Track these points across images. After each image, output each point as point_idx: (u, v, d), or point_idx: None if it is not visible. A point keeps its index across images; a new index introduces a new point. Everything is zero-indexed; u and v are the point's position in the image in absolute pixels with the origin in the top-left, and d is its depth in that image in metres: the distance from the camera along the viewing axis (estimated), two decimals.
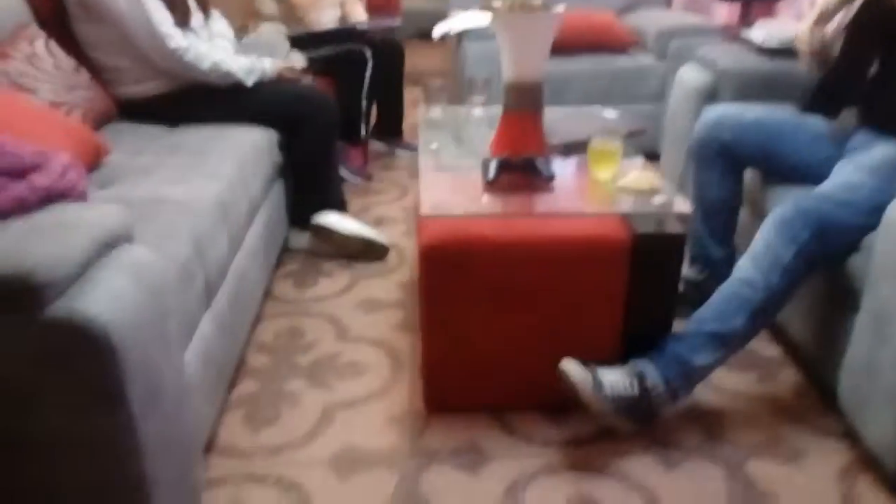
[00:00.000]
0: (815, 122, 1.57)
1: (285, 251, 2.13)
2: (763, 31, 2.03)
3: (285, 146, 1.99)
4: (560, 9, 1.45)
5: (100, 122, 1.78)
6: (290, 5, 2.64)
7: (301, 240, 2.16)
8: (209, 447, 1.34)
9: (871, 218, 1.16)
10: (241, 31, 2.45)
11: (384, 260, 2.09)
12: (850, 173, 1.31)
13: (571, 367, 1.24)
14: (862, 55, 1.47)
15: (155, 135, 1.80)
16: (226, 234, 1.45)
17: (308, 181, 2.04)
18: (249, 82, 1.93)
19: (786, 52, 1.97)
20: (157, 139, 1.77)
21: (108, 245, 0.92)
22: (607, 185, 1.48)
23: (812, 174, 1.42)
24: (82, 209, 0.97)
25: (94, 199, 1.13)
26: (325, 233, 2.06)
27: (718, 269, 1.67)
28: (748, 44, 2.07)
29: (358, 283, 1.98)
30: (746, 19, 3.09)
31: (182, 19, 1.85)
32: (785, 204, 1.28)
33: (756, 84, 1.91)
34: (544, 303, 1.36)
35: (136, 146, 1.69)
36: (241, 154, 1.71)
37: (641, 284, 1.35)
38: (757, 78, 1.92)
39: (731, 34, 2.38)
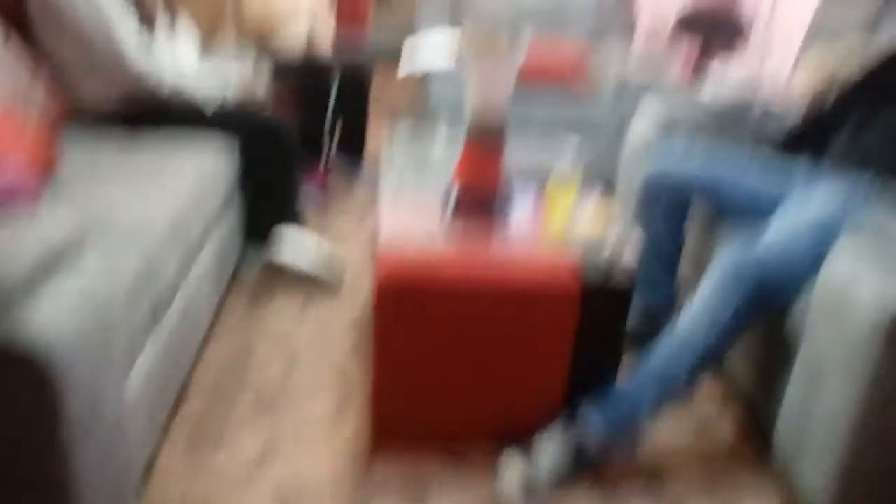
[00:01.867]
0: (760, 166, 1.63)
1: (239, 269, 2.10)
2: (714, 85, 2.12)
3: (245, 165, 1.97)
4: (525, 42, 1.48)
5: (56, 128, 1.73)
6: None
7: (256, 257, 2.13)
8: (149, 469, 1.30)
9: (810, 271, 1.21)
10: (206, 44, 2.43)
11: (341, 284, 2.07)
12: (788, 226, 1.36)
13: (510, 474, 1.28)
14: (854, 108, 1.53)
15: (111, 152, 1.75)
16: (178, 253, 1.42)
17: (268, 197, 2.02)
18: (212, 102, 1.91)
19: (734, 105, 2.06)
20: (113, 156, 1.72)
21: (57, 259, 0.90)
22: (562, 226, 1.51)
23: (754, 217, 1.47)
24: (31, 219, 0.94)
25: (45, 209, 1.10)
26: (281, 249, 2.03)
27: (662, 318, 1.71)
28: (700, 94, 2.15)
29: (313, 300, 1.97)
30: (702, 58, 3.21)
31: (147, 29, 1.82)
32: (728, 257, 1.33)
33: (706, 132, 1.99)
34: (495, 342, 1.38)
35: (91, 162, 1.65)
36: (198, 173, 1.69)
37: (589, 329, 1.37)
38: (707, 127, 2.00)
39: (684, 84, 2.47)
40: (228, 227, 1.92)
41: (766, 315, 1.32)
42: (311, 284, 2.03)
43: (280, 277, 2.06)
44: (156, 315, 1.28)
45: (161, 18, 1.91)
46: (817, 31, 2.38)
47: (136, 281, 1.18)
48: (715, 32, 3.19)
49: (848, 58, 1.59)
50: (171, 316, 1.37)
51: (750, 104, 2.08)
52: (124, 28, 1.74)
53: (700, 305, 1.32)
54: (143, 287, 1.20)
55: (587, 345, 1.38)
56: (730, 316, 1.28)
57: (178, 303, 1.42)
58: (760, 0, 3.08)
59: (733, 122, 2.01)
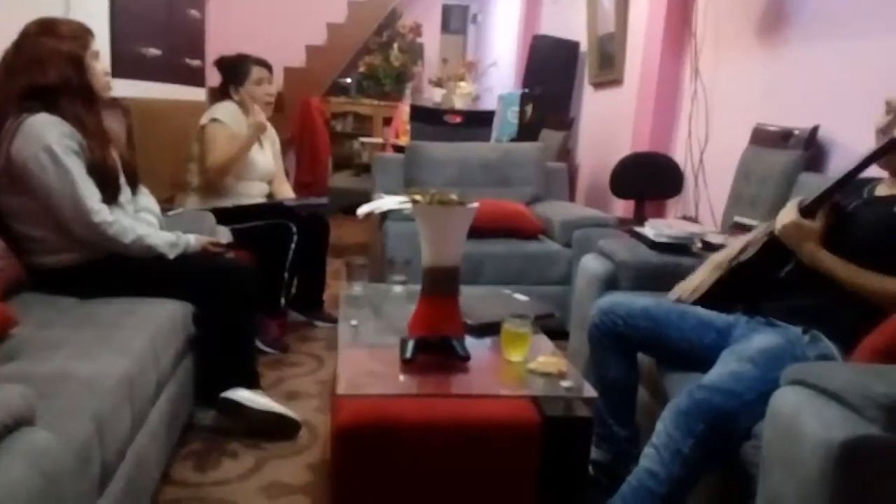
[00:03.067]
0: (699, 310, 1.72)
1: (189, 429, 2.03)
2: (654, 229, 2.27)
3: (201, 319, 1.97)
4: (475, 204, 1.59)
5: (9, 292, 1.73)
6: (204, 169, 2.73)
7: (207, 416, 2.07)
8: None
9: (759, 406, 1.25)
10: (167, 203, 2.51)
11: (295, 439, 2.02)
12: (734, 363, 1.41)
13: None
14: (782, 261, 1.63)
15: (66, 307, 1.75)
16: (129, 413, 1.38)
17: (221, 355, 1.99)
18: (172, 255, 1.95)
19: (674, 247, 2.20)
20: (68, 311, 1.72)
21: (7, 429, 0.88)
22: (519, 366, 1.54)
23: (698, 359, 1.53)
24: None
25: None
26: (233, 408, 1.98)
27: (624, 449, 1.71)
28: (642, 237, 2.30)
29: (265, 464, 1.89)
30: (639, 213, 3.45)
31: (111, 196, 1.89)
32: (681, 395, 1.37)
33: (649, 274, 2.10)
34: (458, 484, 1.36)
35: (45, 318, 1.63)
36: (154, 327, 1.69)
37: (552, 466, 1.37)
38: (650, 269, 2.12)
39: (626, 228, 2.64)
40: (182, 380, 1.88)
41: (725, 446, 1.34)
42: (264, 444, 1.97)
43: (232, 438, 1.99)
44: (105, 478, 1.22)
45: (121, 179, 1.98)
46: (745, 174, 2.61)
47: (86, 447, 1.14)
48: (650, 178, 3.46)
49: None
50: (119, 480, 1.31)
51: (690, 238, 2.22)
52: (88, 187, 1.80)
53: (662, 439, 1.34)
54: (93, 452, 1.16)
55: (551, 477, 1.37)
56: (689, 447, 1.30)
57: (126, 464, 1.36)
58: (691, 143, 3.38)
59: (675, 256, 2.14)
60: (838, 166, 2.32)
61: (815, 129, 2.42)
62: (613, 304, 1.76)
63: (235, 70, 2.86)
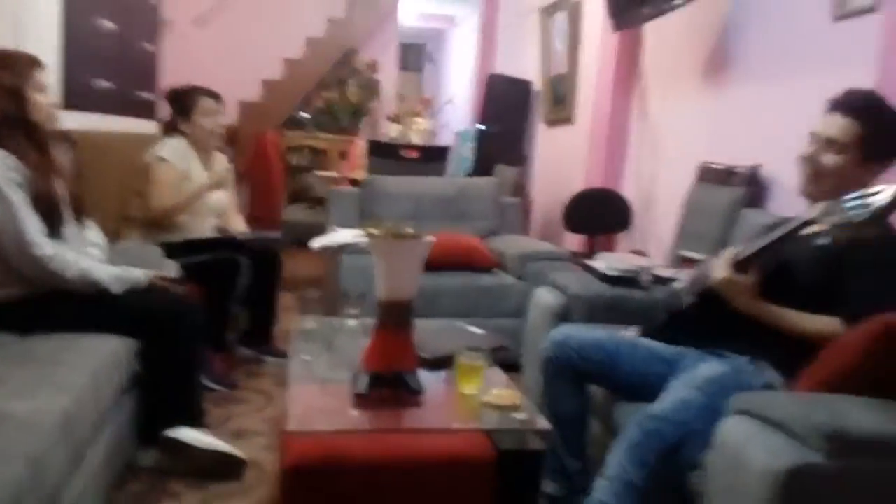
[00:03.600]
0: (649, 342, 1.74)
1: (129, 469, 1.94)
2: (605, 262, 2.32)
3: (145, 355, 1.91)
4: (430, 238, 1.59)
5: None
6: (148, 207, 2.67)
7: (149, 456, 1.98)
8: None
9: (706, 434, 1.27)
10: (114, 237, 2.44)
11: (241, 478, 1.94)
12: (682, 390, 1.44)
13: None
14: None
15: (4, 343, 1.67)
16: (66, 453, 1.32)
17: (165, 392, 1.93)
18: (117, 290, 1.89)
19: (624, 280, 2.24)
20: (7, 347, 1.65)
21: None
22: (473, 400, 1.53)
23: (649, 390, 1.55)
24: None
25: None
26: (175, 446, 1.90)
27: (575, 482, 1.71)
28: (593, 271, 2.33)
29: None
30: (590, 247, 3.52)
31: (54, 229, 1.83)
32: (631, 427, 1.38)
33: (601, 307, 2.13)
34: None
35: None
36: (96, 364, 1.62)
37: (505, 499, 1.36)
38: (602, 302, 2.15)
39: (578, 261, 2.68)
40: (124, 418, 1.81)
41: (676, 475, 1.35)
42: (208, 484, 1.90)
43: (174, 478, 1.91)
44: None
45: (67, 212, 1.93)
46: (692, 210, 2.70)
47: (19, 489, 1.09)
48: (601, 213, 3.54)
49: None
50: None
51: (639, 272, 2.26)
52: (30, 220, 1.74)
53: (615, 471, 1.35)
54: (26, 493, 1.10)
55: None
56: (642, 478, 1.31)
57: None
58: (639, 180, 3.48)
59: (626, 289, 2.17)
60: (779, 203, 2.42)
61: (756, 168, 2.53)
62: (567, 336, 1.77)
63: (183, 102, 2.81)
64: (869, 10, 2.11)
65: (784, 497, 1.05)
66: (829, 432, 1.07)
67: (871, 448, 1.09)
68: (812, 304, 1.49)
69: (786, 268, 1.56)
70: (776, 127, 2.52)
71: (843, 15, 2.22)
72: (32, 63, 1.88)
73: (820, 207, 1.37)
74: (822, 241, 1.51)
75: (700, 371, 1.50)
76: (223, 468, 1.93)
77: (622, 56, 3.67)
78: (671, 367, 1.61)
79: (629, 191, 3.60)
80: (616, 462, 1.36)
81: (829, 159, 1.54)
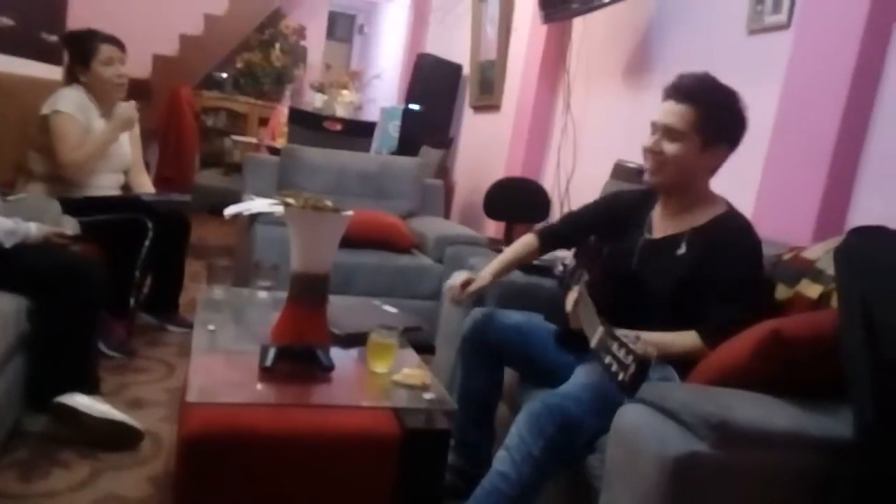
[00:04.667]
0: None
1: (15, 435, 1.83)
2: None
3: (37, 315, 1.79)
4: (349, 213, 1.57)
5: None
6: (58, 164, 2.49)
7: (37, 422, 1.87)
8: None
9: (605, 419, 1.33)
10: (7, 188, 2.27)
11: (135, 449, 1.87)
12: (584, 375, 1.49)
13: None
14: None
15: None
16: None
17: (57, 356, 1.82)
18: (9, 244, 1.76)
19: (538, 268, 2.29)
20: None
21: None
22: (383, 378, 1.53)
23: (559, 376, 1.59)
24: None
25: None
26: (67, 413, 1.81)
27: (479, 456, 1.75)
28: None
29: (100, 476, 1.73)
30: (508, 235, 3.58)
31: None
32: (534, 401, 1.42)
33: (514, 293, 2.17)
34: (313, 497, 1.32)
35: None
36: None
37: (409, 477, 1.37)
38: (515, 288, 2.19)
39: (495, 248, 2.72)
40: (10, 381, 1.70)
41: (572, 450, 1.41)
42: (100, 454, 1.81)
43: (64, 446, 1.82)
44: None
45: None
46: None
47: None
48: (520, 202, 3.60)
49: None
50: None
51: (553, 262, 2.32)
52: None
53: (514, 441, 1.39)
54: None
55: (408, 489, 1.36)
56: (540, 448, 1.35)
57: None
58: (559, 172, 3.56)
59: (539, 278, 2.22)
60: None
61: None
62: (488, 316, 1.81)
63: (82, 47, 2.60)
64: (782, 26, 2.23)
65: (673, 483, 1.11)
66: (716, 423, 1.14)
67: (754, 439, 1.16)
68: (667, 315, 1.51)
69: (638, 281, 1.59)
70: None
71: (757, 29, 2.34)
72: None
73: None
74: (679, 251, 1.56)
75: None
76: (117, 438, 1.85)
77: (549, 48, 3.73)
78: (579, 357, 1.67)
79: (548, 181, 3.67)
80: (517, 433, 1.39)
81: (670, 148, 1.57)
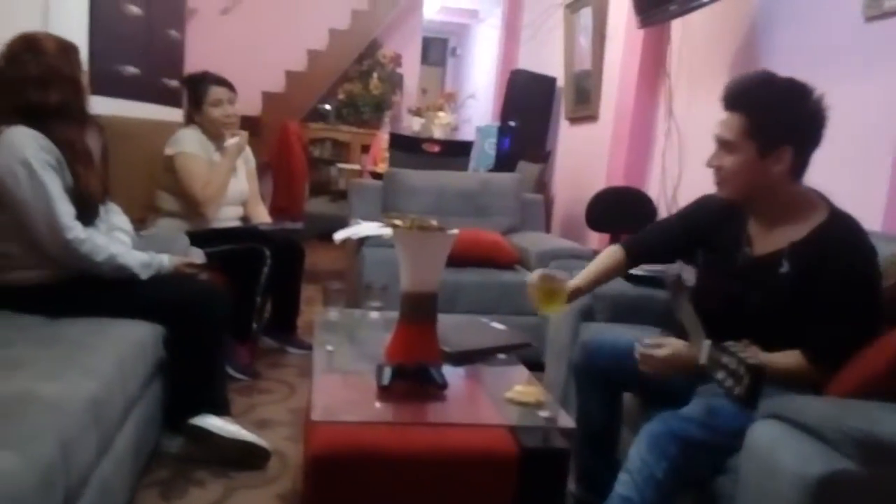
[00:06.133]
0: None
1: (155, 455, 1.96)
2: None
3: (171, 342, 1.93)
4: (455, 231, 1.59)
5: None
6: (192, 202, 2.69)
7: (174, 444, 2.01)
8: None
9: (734, 440, 1.25)
10: (139, 224, 2.47)
11: (264, 468, 1.96)
12: (710, 398, 1.41)
13: None
14: None
15: (32, 325, 1.70)
16: (95, 437, 1.34)
17: (190, 380, 1.95)
18: (145, 276, 1.91)
19: (649, 280, 2.22)
20: (34, 330, 1.67)
21: None
22: (550, 315, 1.54)
23: (681, 397, 1.52)
24: None
25: None
26: (201, 435, 1.92)
27: (604, 488, 1.69)
28: None
29: (232, 495, 1.83)
30: (619, 233, 3.48)
31: (88, 216, 1.85)
32: (655, 421, 1.37)
33: (625, 306, 2.12)
34: None
35: (8, 337, 1.58)
36: (123, 349, 1.64)
37: (528, 497, 1.35)
38: (625, 301, 2.13)
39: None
40: (150, 405, 1.83)
41: (696, 479, 1.34)
42: (232, 473, 1.92)
43: (199, 466, 1.93)
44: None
45: (98, 196, 1.95)
46: None
47: (50, 471, 1.10)
48: (624, 212, 3.50)
49: None
50: None
51: (664, 273, 2.24)
52: (63, 203, 1.75)
53: (635, 464, 1.34)
54: (57, 476, 1.12)
55: None
56: (663, 471, 1.30)
57: (90, 491, 1.31)
58: (665, 179, 3.44)
59: (650, 289, 2.15)
60: None
61: None
62: (599, 344, 1.74)
63: (195, 90, 2.81)
64: None
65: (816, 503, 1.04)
66: (861, 438, 1.06)
67: None
68: (768, 335, 1.40)
69: (745, 310, 1.48)
70: None
71: (876, 15, 2.18)
72: (77, 49, 1.90)
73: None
74: (782, 269, 1.44)
75: None
76: (247, 457, 1.95)
77: (647, 53, 3.63)
78: (701, 376, 1.59)
79: (653, 189, 3.56)
80: (638, 455, 1.34)
81: (727, 161, 1.49)
